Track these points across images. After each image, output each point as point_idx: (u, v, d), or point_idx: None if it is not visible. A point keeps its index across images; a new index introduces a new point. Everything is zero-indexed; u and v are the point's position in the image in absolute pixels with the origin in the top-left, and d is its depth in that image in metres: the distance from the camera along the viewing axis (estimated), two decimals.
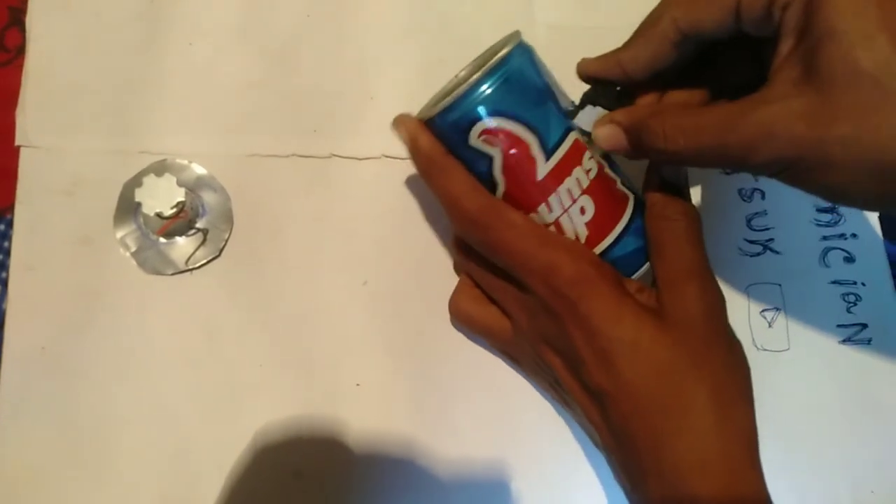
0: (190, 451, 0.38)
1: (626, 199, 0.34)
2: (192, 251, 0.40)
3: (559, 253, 0.31)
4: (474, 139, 0.32)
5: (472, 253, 0.35)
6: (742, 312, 0.42)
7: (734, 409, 0.30)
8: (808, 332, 0.42)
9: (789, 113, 0.26)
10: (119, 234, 0.40)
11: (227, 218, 0.41)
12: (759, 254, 0.42)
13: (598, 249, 0.33)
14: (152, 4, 0.43)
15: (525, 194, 0.32)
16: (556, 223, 0.32)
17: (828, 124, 0.25)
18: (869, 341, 0.42)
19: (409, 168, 0.41)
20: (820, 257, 0.43)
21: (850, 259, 0.42)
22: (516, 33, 0.33)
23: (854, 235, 0.43)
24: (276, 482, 0.38)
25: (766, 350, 0.41)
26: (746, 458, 0.30)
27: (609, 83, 0.33)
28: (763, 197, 0.43)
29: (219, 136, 0.42)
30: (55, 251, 0.40)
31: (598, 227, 0.33)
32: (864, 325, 0.42)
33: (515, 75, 0.31)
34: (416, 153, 0.33)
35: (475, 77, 0.31)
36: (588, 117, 0.33)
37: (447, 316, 0.40)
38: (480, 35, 0.44)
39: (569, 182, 0.32)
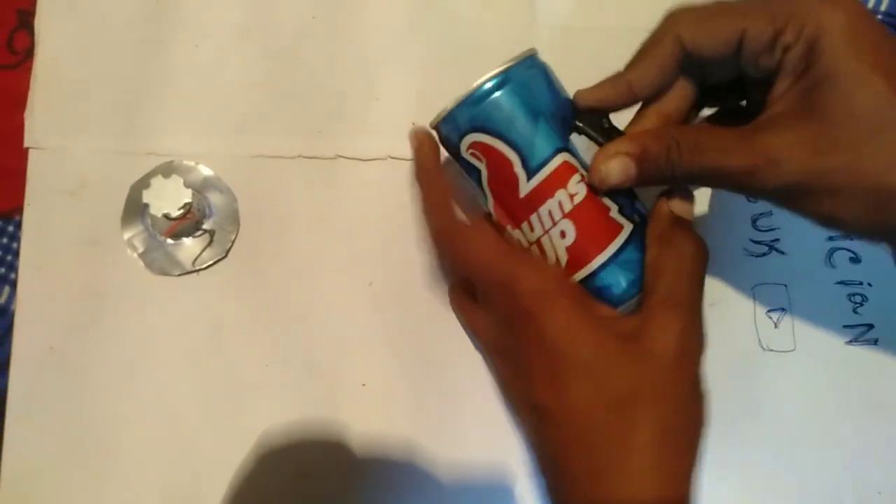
0: (195, 451, 0.38)
1: (619, 228, 0.32)
2: (198, 252, 0.40)
3: (523, 266, 0.30)
4: (464, 151, 0.33)
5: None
6: (748, 313, 0.42)
7: (679, 458, 0.28)
8: (814, 333, 0.41)
9: (795, 140, 0.27)
10: (126, 236, 0.40)
11: (234, 219, 0.41)
12: (764, 254, 0.42)
13: (579, 276, 0.32)
14: (158, 6, 0.43)
15: (509, 209, 0.33)
16: (538, 243, 0.32)
17: (829, 152, 0.27)
18: (875, 342, 0.41)
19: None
20: (826, 258, 0.42)
21: (855, 259, 0.42)
22: (530, 50, 0.33)
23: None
24: (280, 482, 0.38)
25: (772, 350, 0.41)
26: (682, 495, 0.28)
27: (600, 112, 0.33)
28: None
29: (225, 138, 0.42)
30: (63, 252, 0.40)
31: (578, 252, 0.32)
32: (871, 326, 0.42)
33: (507, 94, 0.32)
34: (415, 158, 0.34)
35: (466, 93, 0.32)
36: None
37: (452, 317, 0.40)
38: (484, 36, 0.45)
39: (550, 203, 0.32)
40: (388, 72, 0.44)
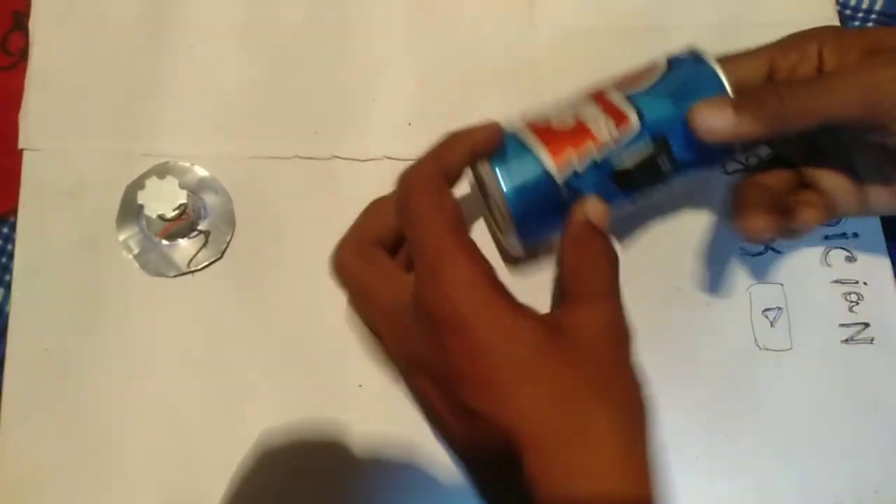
0: (193, 453, 0.38)
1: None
2: (194, 253, 0.40)
3: (462, 248, 0.28)
4: None
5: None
6: (744, 312, 0.42)
7: (638, 444, 0.27)
8: (810, 332, 0.41)
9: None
10: (122, 237, 0.40)
11: (230, 220, 0.41)
12: (760, 253, 0.42)
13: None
14: (154, 7, 0.43)
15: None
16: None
17: None
18: (871, 340, 0.41)
19: None
20: (822, 257, 0.42)
21: (851, 258, 0.42)
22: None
23: (855, 235, 0.43)
24: (278, 483, 0.38)
25: (768, 350, 0.41)
26: (647, 488, 0.26)
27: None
28: None
29: (221, 139, 0.42)
30: (58, 254, 0.40)
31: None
32: (867, 325, 0.42)
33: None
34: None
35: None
36: None
37: None
38: (482, 35, 0.45)
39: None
40: (385, 72, 0.44)
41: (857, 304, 0.42)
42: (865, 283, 0.42)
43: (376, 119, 0.43)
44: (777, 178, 0.36)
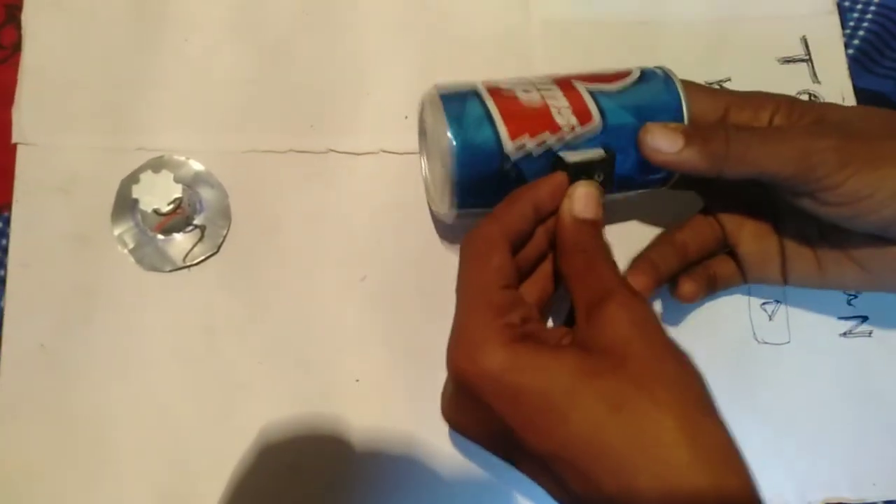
0: (188, 448, 0.38)
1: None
2: (189, 248, 0.40)
3: (487, 308, 0.29)
4: None
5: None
6: (743, 306, 0.42)
7: (703, 429, 0.26)
8: (808, 325, 0.41)
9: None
10: (116, 231, 0.40)
11: (225, 214, 0.41)
12: None
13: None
14: (148, 0, 0.43)
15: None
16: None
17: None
18: (869, 334, 0.41)
19: (407, 163, 0.41)
20: None
21: None
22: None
23: None
24: (274, 478, 0.38)
25: (766, 343, 0.41)
26: (733, 474, 0.26)
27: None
28: None
29: (216, 133, 0.42)
30: (52, 248, 0.40)
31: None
32: (865, 318, 0.42)
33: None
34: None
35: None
36: None
37: (446, 312, 0.39)
38: (476, 29, 0.44)
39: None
40: (380, 66, 0.43)
41: (856, 297, 0.42)
42: None
43: (372, 112, 0.42)
44: (700, 236, 0.38)
